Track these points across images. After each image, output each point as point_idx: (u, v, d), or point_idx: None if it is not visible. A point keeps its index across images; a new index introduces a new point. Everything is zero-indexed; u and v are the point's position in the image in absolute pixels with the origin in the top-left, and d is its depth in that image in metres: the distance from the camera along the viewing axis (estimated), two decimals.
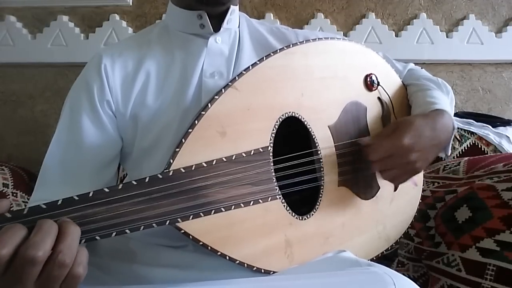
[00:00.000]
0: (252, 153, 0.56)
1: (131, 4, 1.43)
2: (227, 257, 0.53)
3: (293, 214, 0.60)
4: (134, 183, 0.46)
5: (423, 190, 0.83)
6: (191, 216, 0.49)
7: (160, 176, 0.48)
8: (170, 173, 0.49)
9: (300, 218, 0.61)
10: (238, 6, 0.74)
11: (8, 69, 1.44)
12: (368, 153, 0.63)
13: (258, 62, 0.60)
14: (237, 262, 0.53)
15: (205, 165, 0.51)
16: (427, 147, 0.64)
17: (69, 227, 0.40)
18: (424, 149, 0.63)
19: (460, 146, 1.17)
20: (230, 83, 0.57)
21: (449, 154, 0.72)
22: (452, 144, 0.71)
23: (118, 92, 0.68)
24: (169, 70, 0.69)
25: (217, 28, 0.70)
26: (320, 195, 0.64)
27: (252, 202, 0.55)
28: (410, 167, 0.64)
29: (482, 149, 1.17)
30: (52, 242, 0.38)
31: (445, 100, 0.73)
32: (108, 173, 0.70)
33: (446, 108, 0.69)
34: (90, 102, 0.67)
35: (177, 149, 0.50)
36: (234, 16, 0.73)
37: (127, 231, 0.45)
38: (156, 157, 0.67)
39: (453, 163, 0.97)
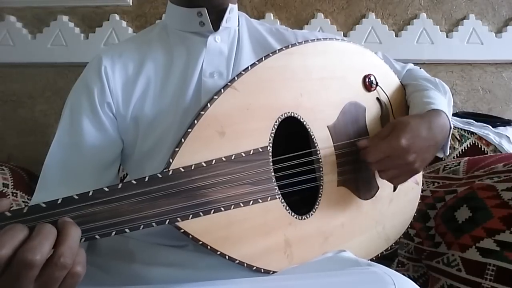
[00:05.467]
0: (251, 153, 0.56)
1: (131, 4, 1.43)
2: (227, 257, 0.53)
3: (293, 214, 0.60)
4: (134, 182, 0.46)
5: (423, 190, 0.83)
6: (191, 216, 0.49)
7: (160, 176, 0.48)
8: (170, 173, 0.49)
9: (300, 218, 0.61)
10: (237, 5, 0.74)
11: (8, 69, 1.44)
12: (366, 154, 0.63)
13: (257, 62, 0.60)
14: (237, 261, 0.53)
15: (204, 164, 0.51)
16: (424, 147, 0.64)
17: (69, 228, 0.40)
18: (421, 150, 0.63)
19: (460, 146, 1.17)
20: (229, 83, 0.57)
21: (447, 154, 0.71)
22: (451, 144, 0.71)
23: (119, 94, 0.68)
24: (169, 71, 0.69)
25: (216, 27, 0.70)
26: (320, 195, 0.64)
27: (251, 202, 0.55)
28: (408, 167, 0.64)
29: (482, 149, 1.16)
30: (51, 245, 0.38)
31: (442, 100, 0.73)
32: (109, 175, 0.70)
33: (443, 108, 0.69)
34: (91, 104, 0.67)
35: (177, 149, 0.50)
36: (233, 14, 0.73)
37: (126, 230, 0.45)
38: (157, 158, 0.67)
39: (453, 163, 0.97)
